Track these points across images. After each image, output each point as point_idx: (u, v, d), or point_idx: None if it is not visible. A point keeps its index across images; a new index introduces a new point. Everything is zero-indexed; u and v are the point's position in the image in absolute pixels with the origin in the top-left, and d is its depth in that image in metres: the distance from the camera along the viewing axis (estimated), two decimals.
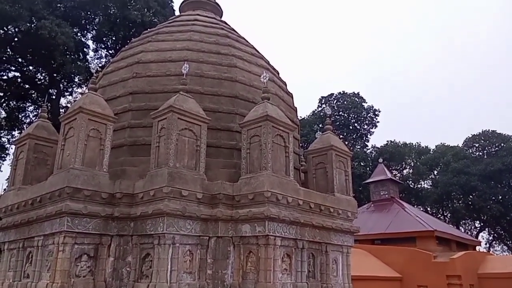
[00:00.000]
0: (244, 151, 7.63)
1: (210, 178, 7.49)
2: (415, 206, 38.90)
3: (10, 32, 23.24)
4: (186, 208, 6.85)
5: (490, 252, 39.76)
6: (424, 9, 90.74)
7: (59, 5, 24.85)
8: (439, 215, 42.95)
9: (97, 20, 26.46)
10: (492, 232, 44.92)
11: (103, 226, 7.02)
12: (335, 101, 43.35)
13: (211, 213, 7.23)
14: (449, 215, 43.76)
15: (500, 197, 38.92)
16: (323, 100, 43.59)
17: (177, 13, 16.60)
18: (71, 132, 7.26)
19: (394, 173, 40.45)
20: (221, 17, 12.16)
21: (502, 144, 40.57)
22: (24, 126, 25.53)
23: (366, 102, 43.03)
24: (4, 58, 23.87)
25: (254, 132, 7.54)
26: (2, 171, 25.84)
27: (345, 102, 42.72)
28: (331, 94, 43.86)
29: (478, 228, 44.64)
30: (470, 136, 43.77)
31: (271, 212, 6.85)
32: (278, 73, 11.06)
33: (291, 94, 10.91)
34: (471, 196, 39.39)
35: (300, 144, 11.29)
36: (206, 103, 8.50)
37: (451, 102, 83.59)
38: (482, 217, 41.84)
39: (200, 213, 7.06)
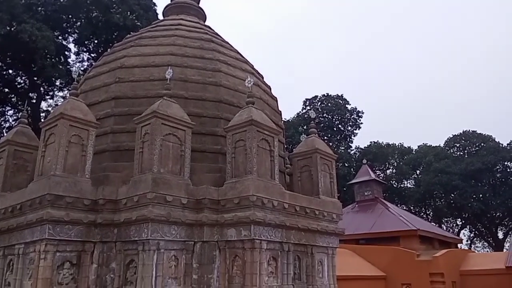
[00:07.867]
0: (229, 156, 7.64)
1: (195, 183, 7.47)
2: (399, 205, 39.51)
3: None
4: (171, 213, 6.82)
5: (472, 249, 40.63)
6: (407, 10, 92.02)
7: (39, 8, 24.43)
8: (422, 214, 43.71)
9: (78, 23, 26.08)
10: (473, 230, 45.94)
11: (86, 233, 6.92)
12: (319, 103, 43.81)
13: (196, 218, 7.21)
14: (431, 213, 44.62)
15: (480, 195, 39.86)
16: (308, 102, 43.99)
17: (160, 17, 16.47)
18: (52, 138, 7.14)
19: (377, 173, 41.02)
20: (204, 21, 12.13)
21: (482, 144, 41.57)
22: (4, 131, 24.92)
23: (350, 104, 43.63)
24: None
25: (239, 136, 7.55)
26: None
27: (329, 104, 43.21)
28: (315, 96, 44.31)
29: (460, 226, 45.62)
30: (451, 136, 44.69)
31: (257, 216, 6.87)
32: (263, 77, 11.10)
33: (276, 98, 10.96)
34: (452, 195, 40.24)
35: (285, 146, 11.35)
36: (190, 108, 8.48)
37: (432, 102, 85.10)
38: (463, 215, 42.79)
39: (185, 218, 7.03)
